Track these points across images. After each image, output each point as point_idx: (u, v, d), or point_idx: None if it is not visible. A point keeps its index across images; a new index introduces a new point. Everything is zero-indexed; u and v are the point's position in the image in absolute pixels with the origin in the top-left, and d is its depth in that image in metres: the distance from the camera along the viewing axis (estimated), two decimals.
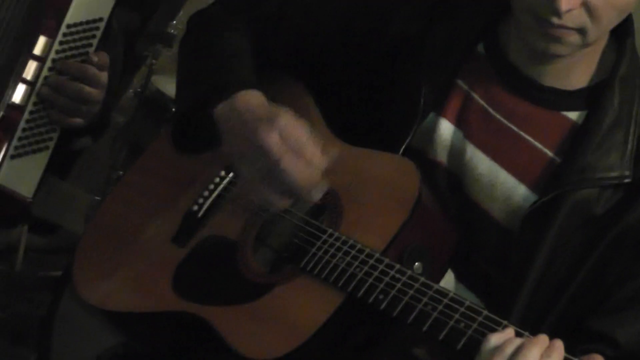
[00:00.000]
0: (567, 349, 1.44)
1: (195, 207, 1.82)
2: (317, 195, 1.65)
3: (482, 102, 1.72)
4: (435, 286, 1.53)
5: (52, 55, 2.02)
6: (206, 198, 1.82)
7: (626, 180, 1.63)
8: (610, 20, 1.60)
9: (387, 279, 1.56)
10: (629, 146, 1.64)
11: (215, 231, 1.79)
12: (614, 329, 1.62)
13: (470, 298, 1.68)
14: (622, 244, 1.63)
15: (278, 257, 1.71)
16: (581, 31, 1.59)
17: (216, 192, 1.83)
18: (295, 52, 1.89)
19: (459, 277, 1.71)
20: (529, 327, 1.59)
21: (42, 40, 2.01)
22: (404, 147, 1.72)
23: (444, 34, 1.75)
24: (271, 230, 1.74)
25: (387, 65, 1.78)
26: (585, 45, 1.61)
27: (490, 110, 1.71)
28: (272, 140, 1.61)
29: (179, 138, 1.90)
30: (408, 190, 1.64)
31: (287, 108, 1.67)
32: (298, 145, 1.61)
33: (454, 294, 1.50)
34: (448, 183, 1.74)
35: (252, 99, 1.74)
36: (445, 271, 1.67)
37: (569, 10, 1.55)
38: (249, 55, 1.85)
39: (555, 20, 1.57)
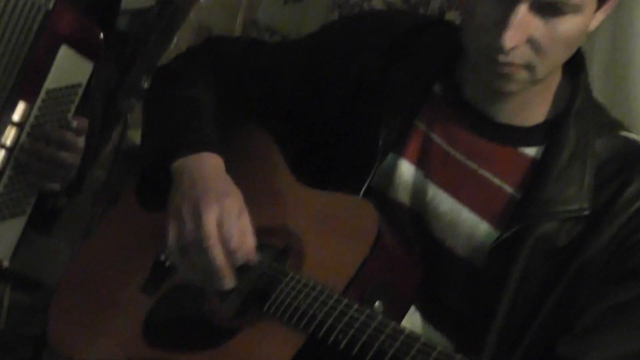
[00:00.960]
0: None
1: (163, 257, 1.83)
2: (226, 285, 1.67)
3: (440, 141, 1.72)
4: (392, 324, 1.52)
5: (31, 120, 2.04)
6: None
7: (585, 213, 1.63)
8: (557, 55, 1.60)
9: (345, 318, 1.55)
10: (587, 179, 1.64)
11: (181, 279, 1.79)
12: (581, 355, 1.61)
13: (437, 337, 1.69)
14: (584, 274, 1.63)
15: (244, 300, 1.71)
16: (528, 67, 1.59)
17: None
18: (258, 97, 1.91)
19: (426, 317, 1.71)
20: (501, 358, 1.63)
21: (21, 106, 2.03)
22: (364, 188, 1.73)
23: (402, 75, 1.76)
24: (237, 275, 1.73)
25: (347, 107, 1.79)
26: (534, 81, 1.61)
27: (449, 149, 1.72)
28: (211, 218, 1.64)
29: (143, 191, 1.91)
30: (367, 230, 1.64)
31: (237, 189, 1.72)
32: (228, 234, 1.64)
33: (410, 330, 1.50)
34: (411, 223, 1.74)
35: (210, 162, 1.77)
36: (409, 307, 1.66)
37: (514, 47, 1.56)
38: (212, 112, 1.87)
39: (502, 57, 1.58)
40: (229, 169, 1.80)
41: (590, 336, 1.61)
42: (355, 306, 1.56)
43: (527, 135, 1.69)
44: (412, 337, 1.48)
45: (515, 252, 1.63)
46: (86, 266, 1.96)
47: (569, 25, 1.57)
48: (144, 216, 1.92)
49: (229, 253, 1.65)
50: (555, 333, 1.64)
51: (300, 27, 3.37)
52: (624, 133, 1.70)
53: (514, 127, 1.69)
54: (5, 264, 2.08)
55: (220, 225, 1.65)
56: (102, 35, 2.07)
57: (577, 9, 1.55)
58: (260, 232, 1.74)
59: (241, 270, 1.72)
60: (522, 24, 1.55)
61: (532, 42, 1.57)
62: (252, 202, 1.76)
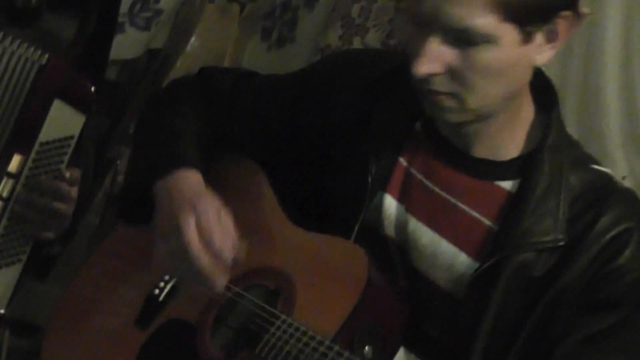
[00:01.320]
0: None
1: (157, 291, 1.82)
2: (219, 286, 1.67)
3: (420, 176, 1.73)
4: None
5: (26, 172, 2.05)
6: (167, 282, 1.83)
7: (560, 243, 1.64)
8: (484, 86, 1.60)
9: None
10: (561, 211, 1.65)
11: (174, 314, 1.79)
12: None
13: None
14: (559, 303, 1.63)
15: (234, 339, 1.71)
16: (455, 96, 1.60)
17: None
18: (249, 135, 1.91)
19: (408, 346, 1.70)
20: None
21: (16, 158, 2.04)
22: (357, 227, 1.73)
23: (386, 114, 1.77)
24: (229, 314, 1.74)
25: (335, 147, 1.79)
26: (468, 110, 1.61)
27: (429, 183, 1.72)
28: (188, 226, 1.64)
29: (130, 219, 1.91)
30: (357, 276, 1.65)
31: (212, 195, 1.71)
32: (208, 236, 1.64)
33: None
34: (398, 256, 1.74)
35: (187, 177, 1.76)
36: (398, 349, 1.66)
37: (430, 75, 1.57)
38: (194, 138, 1.87)
39: (424, 85, 1.60)
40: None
41: None
42: (346, 354, 1.57)
43: (502, 169, 1.69)
44: None
45: (493, 282, 1.64)
46: (77, 300, 1.94)
47: (484, 55, 1.56)
48: (134, 248, 1.91)
49: (215, 254, 1.65)
50: None
51: (284, 72, 3.39)
52: (596, 167, 1.72)
53: (489, 162, 1.70)
54: (1, 311, 2.08)
55: (199, 229, 1.65)
56: (93, 88, 2.08)
57: (489, 39, 1.55)
58: (252, 272, 1.75)
59: (232, 309, 1.73)
60: (435, 54, 1.56)
61: (451, 72, 1.58)
62: (245, 241, 1.75)
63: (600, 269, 1.63)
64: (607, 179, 1.70)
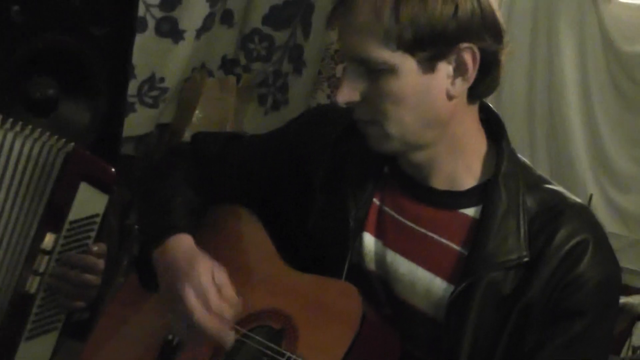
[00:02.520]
0: None
1: (170, 336, 1.82)
2: (228, 342, 1.69)
3: (392, 212, 1.73)
4: None
5: (58, 248, 2.07)
6: None
7: (525, 260, 1.63)
8: (399, 114, 1.60)
9: None
10: (522, 230, 1.64)
11: (189, 357, 1.78)
12: None
13: None
14: (529, 315, 1.62)
15: None
16: (375, 123, 1.62)
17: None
18: (238, 191, 1.91)
19: None
20: None
21: (49, 237, 2.06)
22: (346, 265, 1.72)
23: (357, 162, 1.77)
24: (238, 354, 1.73)
25: (316, 195, 1.79)
26: (389, 136, 1.63)
27: (400, 218, 1.72)
28: (188, 295, 1.67)
29: (142, 274, 1.91)
30: (353, 313, 1.64)
31: (204, 255, 1.73)
32: (206, 300, 1.66)
33: None
34: (379, 287, 1.73)
35: (179, 244, 1.78)
36: None
37: (349, 104, 1.62)
38: (185, 200, 1.88)
39: (354, 116, 1.65)
40: (220, 252, 1.80)
41: None
42: None
43: (463, 198, 1.69)
44: None
45: (468, 302, 1.63)
46: (99, 349, 1.94)
47: (388, 84, 1.58)
48: (149, 297, 1.90)
49: (216, 315, 1.66)
50: None
51: None
52: (549, 186, 1.71)
53: (450, 192, 1.69)
54: None
55: (198, 295, 1.66)
56: (113, 170, 2.11)
57: (388, 68, 1.57)
58: (256, 314, 1.75)
59: (240, 348, 1.72)
60: (352, 84, 1.61)
61: (367, 101, 1.61)
62: (248, 286, 1.78)
63: (561, 279, 1.61)
64: (559, 196, 1.69)
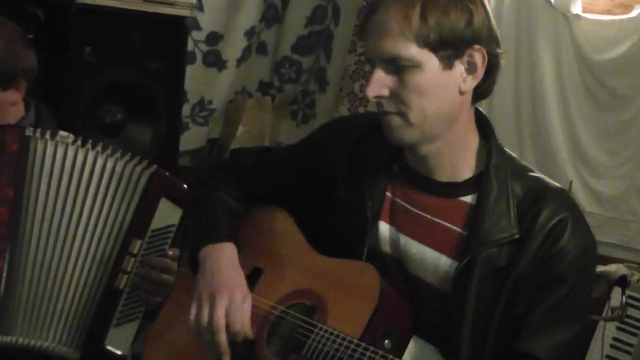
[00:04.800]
0: None
1: None
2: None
3: (402, 203, 1.71)
4: None
5: (142, 252, 2.08)
6: None
7: (515, 237, 1.61)
8: (421, 104, 1.59)
9: (365, 358, 1.55)
10: (512, 212, 1.62)
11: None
12: (533, 348, 1.59)
13: (426, 346, 1.66)
14: (521, 283, 1.60)
15: (286, 347, 1.69)
16: (400, 114, 1.60)
17: None
18: (271, 195, 1.90)
19: (415, 332, 1.67)
20: (475, 357, 1.61)
21: (135, 242, 2.08)
22: (366, 249, 1.71)
23: (371, 162, 1.75)
24: (278, 327, 1.73)
25: (337, 192, 1.77)
26: (411, 125, 1.61)
27: (410, 207, 1.70)
28: (220, 308, 1.68)
29: (194, 267, 1.89)
30: (371, 288, 1.63)
31: (243, 279, 1.75)
32: (234, 321, 1.68)
33: None
34: (394, 266, 1.71)
35: (224, 252, 1.79)
36: (409, 339, 1.64)
37: (379, 97, 1.60)
38: (227, 208, 1.88)
39: (380, 108, 1.62)
40: (259, 244, 1.82)
41: (537, 333, 1.60)
42: (371, 348, 1.56)
43: (462, 188, 1.67)
44: None
45: (470, 276, 1.61)
46: (164, 326, 1.94)
47: (414, 78, 1.57)
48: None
49: (232, 333, 1.68)
50: (510, 332, 1.61)
51: None
52: (532, 174, 1.69)
53: (450, 183, 1.68)
54: (125, 355, 2.11)
55: (227, 312, 1.68)
56: (186, 187, 2.11)
57: (415, 64, 1.57)
58: (291, 294, 1.74)
59: (280, 323, 1.72)
60: (380, 81, 1.59)
61: (394, 94, 1.59)
62: (283, 270, 1.77)
63: (547, 252, 1.59)
64: (541, 182, 1.67)
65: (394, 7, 1.57)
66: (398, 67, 1.57)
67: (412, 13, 1.56)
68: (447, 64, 1.58)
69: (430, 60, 1.57)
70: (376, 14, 1.59)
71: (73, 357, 2.09)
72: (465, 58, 1.59)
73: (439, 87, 1.59)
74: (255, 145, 3.93)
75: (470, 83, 1.61)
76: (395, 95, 1.59)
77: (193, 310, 1.71)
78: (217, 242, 1.79)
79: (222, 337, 1.67)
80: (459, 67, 1.60)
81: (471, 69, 1.61)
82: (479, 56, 1.60)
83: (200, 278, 1.75)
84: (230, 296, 1.69)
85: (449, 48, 1.57)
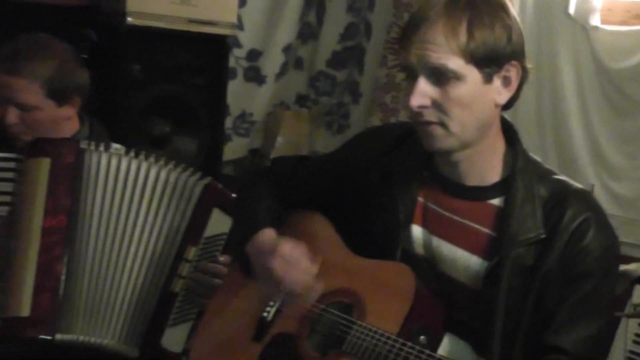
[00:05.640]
0: None
1: (265, 314, 1.80)
2: (313, 297, 1.69)
3: (434, 207, 1.70)
4: (438, 355, 1.54)
5: (196, 258, 2.10)
6: (272, 306, 1.80)
7: (542, 237, 1.59)
8: (461, 114, 1.57)
9: (403, 353, 1.55)
10: (537, 214, 1.61)
11: (280, 329, 1.77)
12: (561, 341, 1.58)
13: (460, 343, 1.65)
14: (548, 280, 1.59)
15: (326, 343, 1.69)
16: (442, 124, 1.58)
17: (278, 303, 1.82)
18: (307, 200, 1.89)
19: (448, 330, 1.66)
20: (506, 352, 1.59)
21: (190, 249, 2.10)
22: (399, 251, 1.70)
23: (403, 169, 1.74)
24: (319, 324, 1.72)
25: (371, 198, 1.76)
26: (452, 135, 1.59)
27: (441, 211, 1.69)
28: (275, 264, 1.69)
29: (241, 263, 1.90)
30: (407, 288, 1.63)
31: (291, 238, 1.73)
32: (294, 260, 1.68)
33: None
34: (427, 266, 1.70)
35: (264, 236, 1.78)
36: (443, 336, 1.64)
37: (421, 107, 1.57)
38: (268, 209, 1.87)
39: (419, 118, 1.59)
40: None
41: (564, 327, 1.58)
42: (409, 344, 1.56)
43: (490, 191, 1.66)
44: None
45: (500, 274, 1.60)
46: (212, 321, 1.94)
47: (456, 89, 1.55)
48: (247, 281, 1.88)
49: (302, 272, 1.70)
50: (539, 326, 1.59)
51: None
52: (555, 176, 1.67)
53: (479, 187, 1.66)
54: (179, 353, 2.12)
55: (285, 262, 1.70)
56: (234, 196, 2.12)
57: (458, 76, 1.55)
58: (330, 293, 1.73)
59: (320, 320, 1.71)
60: (423, 91, 1.56)
61: (436, 105, 1.57)
62: (322, 271, 1.75)
63: (572, 250, 1.58)
64: (565, 184, 1.65)
65: (442, 20, 1.54)
66: (442, 78, 1.55)
67: (459, 28, 1.54)
68: (488, 78, 1.57)
69: (472, 74, 1.55)
70: (422, 26, 1.56)
71: (132, 354, 2.10)
72: (503, 73, 1.58)
73: (478, 100, 1.57)
74: (293, 154, 3.94)
75: (505, 96, 1.60)
76: (437, 106, 1.57)
77: (263, 291, 1.73)
78: (259, 231, 1.79)
79: (300, 279, 1.70)
80: (497, 81, 1.59)
81: (506, 82, 1.59)
82: (514, 71, 1.58)
83: (254, 268, 1.77)
84: (275, 252, 1.71)
85: (492, 65, 1.56)
